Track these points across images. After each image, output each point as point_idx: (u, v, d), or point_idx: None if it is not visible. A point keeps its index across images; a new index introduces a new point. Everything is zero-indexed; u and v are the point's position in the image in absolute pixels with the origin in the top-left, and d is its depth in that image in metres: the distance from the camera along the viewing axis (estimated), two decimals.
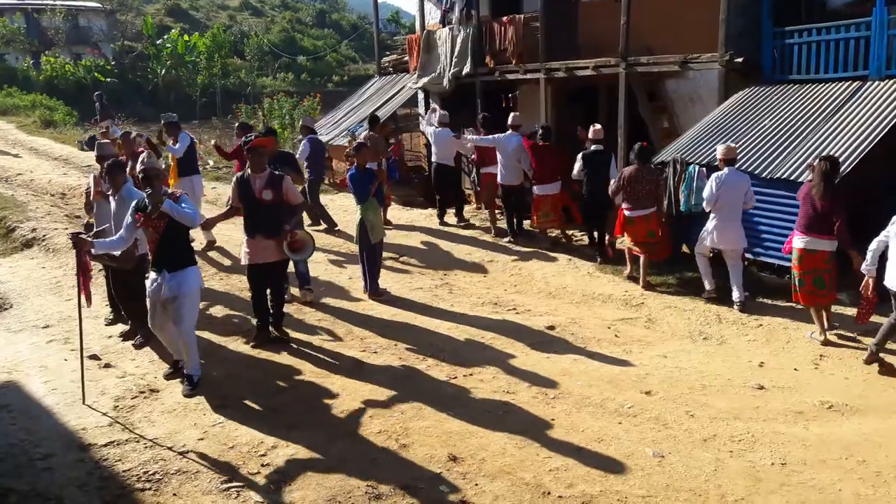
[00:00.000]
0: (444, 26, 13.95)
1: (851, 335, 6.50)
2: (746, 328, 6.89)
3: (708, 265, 7.59)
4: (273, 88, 35.45)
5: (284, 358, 6.32)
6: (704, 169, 8.16)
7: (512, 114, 10.51)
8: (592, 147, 9.03)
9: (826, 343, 6.39)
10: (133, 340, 6.68)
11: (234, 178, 6.67)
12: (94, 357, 6.35)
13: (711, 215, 7.35)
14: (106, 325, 7.22)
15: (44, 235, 10.60)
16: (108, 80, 36.06)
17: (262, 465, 4.53)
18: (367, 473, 4.41)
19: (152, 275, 5.55)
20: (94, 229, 6.77)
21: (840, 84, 8.75)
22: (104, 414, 5.27)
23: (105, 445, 4.80)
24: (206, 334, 6.70)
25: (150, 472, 4.47)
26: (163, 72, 36.87)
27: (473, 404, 5.36)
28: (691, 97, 10.18)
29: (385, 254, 8.48)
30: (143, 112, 30.95)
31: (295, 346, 6.59)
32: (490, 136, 10.18)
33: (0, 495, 4.22)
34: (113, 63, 39.30)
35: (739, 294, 7.30)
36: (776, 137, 8.29)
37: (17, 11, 43.38)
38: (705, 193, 7.32)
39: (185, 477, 4.43)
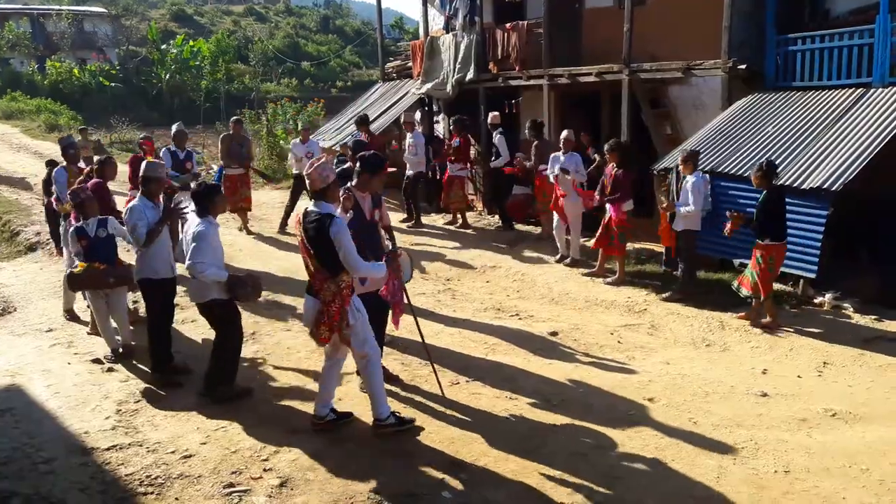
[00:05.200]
0: (447, 32, 13.98)
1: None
2: (749, 335, 6.88)
3: (564, 235, 9.43)
4: (277, 94, 35.54)
5: (287, 364, 6.32)
6: (708, 175, 8.16)
7: (492, 113, 11.39)
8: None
9: (591, 275, 8.79)
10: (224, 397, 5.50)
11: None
12: (98, 361, 6.37)
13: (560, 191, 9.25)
14: (109, 363, 6.35)
15: (48, 239, 10.63)
16: (113, 84, 36.23)
17: (265, 470, 4.53)
18: (370, 479, 4.40)
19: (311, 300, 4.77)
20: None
21: (843, 91, 8.75)
22: (107, 418, 5.27)
23: (108, 449, 4.80)
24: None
25: (152, 477, 4.47)
26: (167, 77, 36.98)
27: (476, 410, 5.35)
28: (694, 104, 10.19)
29: None
30: (147, 117, 31.07)
31: (298, 352, 6.60)
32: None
33: (3, 499, 4.23)
34: (118, 68, 39.46)
35: (574, 253, 9.34)
36: (779, 144, 8.29)
37: (22, 16, 43.63)
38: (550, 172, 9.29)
39: (188, 481, 4.42)
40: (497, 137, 10.94)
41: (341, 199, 5.10)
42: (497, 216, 11.85)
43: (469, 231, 11.40)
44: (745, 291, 7.11)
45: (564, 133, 9.33)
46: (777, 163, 7.97)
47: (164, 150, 9.63)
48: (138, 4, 53.40)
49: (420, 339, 5.71)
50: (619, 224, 8.45)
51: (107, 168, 7.28)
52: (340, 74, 49.28)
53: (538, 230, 10.99)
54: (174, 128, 10.03)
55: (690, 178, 7.69)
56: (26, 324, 7.55)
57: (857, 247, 8.23)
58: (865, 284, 7.64)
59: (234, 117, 11.73)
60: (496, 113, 11.34)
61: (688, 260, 7.92)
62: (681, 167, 7.92)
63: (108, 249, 6.35)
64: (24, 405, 5.54)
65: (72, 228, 6.40)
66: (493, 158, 11.18)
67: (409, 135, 11.66)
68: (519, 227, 11.41)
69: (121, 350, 6.44)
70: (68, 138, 8.64)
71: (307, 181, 4.70)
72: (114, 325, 6.53)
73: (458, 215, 11.71)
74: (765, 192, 6.90)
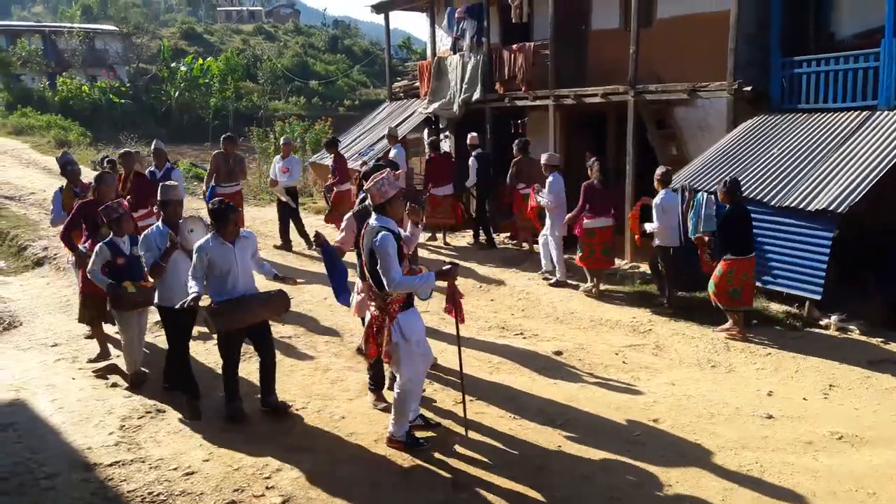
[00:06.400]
0: (454, 53, 14.10)
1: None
2: (755, 356, 6.85)
3: (561, 253, 9.32)
4: (285, 112, 35.84)
5: (291, 381, 6.32)
6: (713, 196, 8.17)
7: (470, 134, 11.56)
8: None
9: (590, 294, 8.77)
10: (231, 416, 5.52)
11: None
12: (102, 376, 6.37)
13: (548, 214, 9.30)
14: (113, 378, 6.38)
15: (55, 254, 10.69)
16: (123, 101, 36.58)
17: (267, 488, 4.51)
18: (372, 498, 4.38)
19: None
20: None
21: (849, 114, 8.78)
22: (110, 433, 5.27)
23: (110, 465, 4.79)
24: (214, 358, 6.70)
25: (154, 493, 4.46)
26: (176, 94, 37.36)
27: (479, 430, 5.32)
28: (700, 125, 10.23)
29: None
30: (156, 133, 31.26)
31: (301, 370, 6.59)
32: None
33: None
34: (128, 85, 39.87)
35: (552, 270, 9.34)
36: (785, 166, 8.31)
37: (35, 33, 44.26)
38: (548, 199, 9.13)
39: (190, 498, 4.41)
40: (471, 159, 11.08)
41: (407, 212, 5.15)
42: (484, 234, 11.67)
43: (473, 247, 11.40)
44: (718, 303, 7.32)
45: (544, 158, 9.31)
46: (783, 184, 8.02)
47: (147, 171, 9.14)
48: (149, 23, 54.10)
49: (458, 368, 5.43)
50: (579, 236, 8.69)
51: (103, 186, 6.77)
52: (348, 93, 49.76)
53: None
54: (153, 145, 9.62)
55: (659, 195, 7.97)
56: (32, 338, 7.57)
57: (863, 272, 8.20)
58: (871, 309, 7.61)
59: (226, 134, 11.24)
60: (474, 134, 11.55)
61: (661, 274, 8.23)
62: (655, 184, 8.15)
63: (140, 268, 6.10)
64: (27, 420, 5.53)
65: (100, 244, 6.09)
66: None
67: (392, 149, 11.58)
68: (524, 245, 11.40)
69: (132, 374, 6.27)
70: (66, 155, 8.26)
71: (368, 196, 4.71)
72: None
73: (457, 232, 11.76)
74: (727, 206, 7.07)
